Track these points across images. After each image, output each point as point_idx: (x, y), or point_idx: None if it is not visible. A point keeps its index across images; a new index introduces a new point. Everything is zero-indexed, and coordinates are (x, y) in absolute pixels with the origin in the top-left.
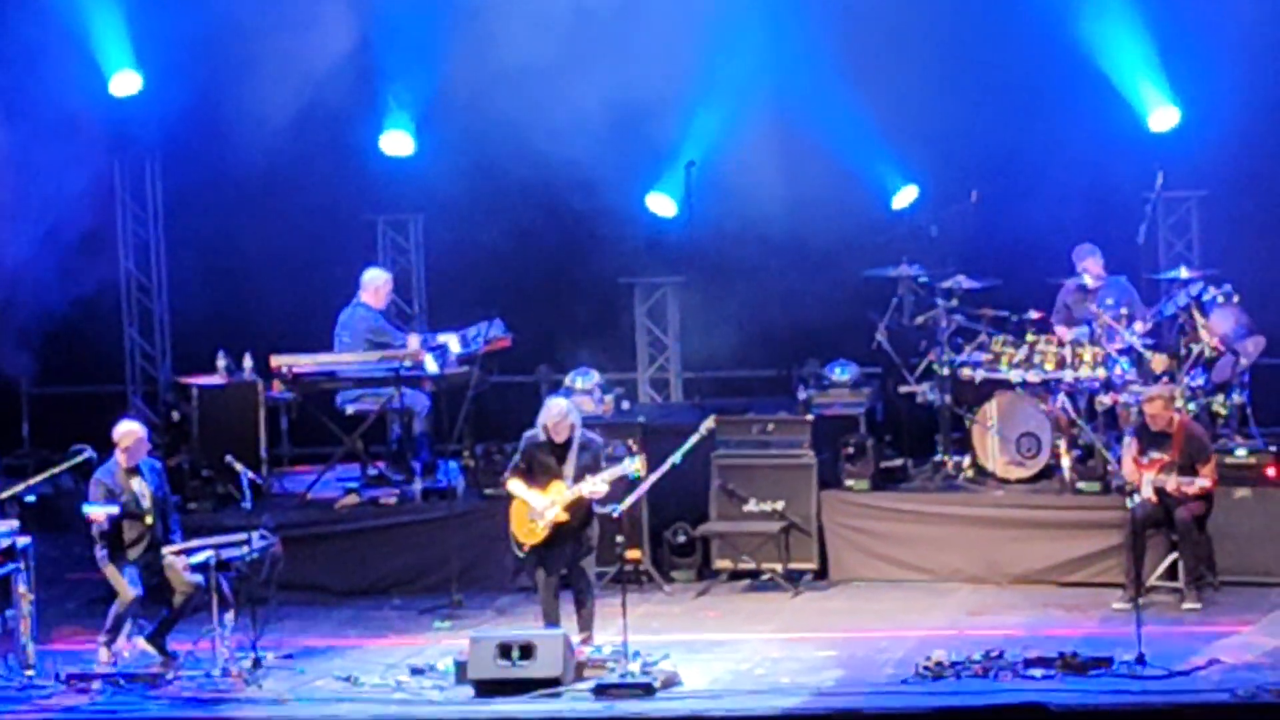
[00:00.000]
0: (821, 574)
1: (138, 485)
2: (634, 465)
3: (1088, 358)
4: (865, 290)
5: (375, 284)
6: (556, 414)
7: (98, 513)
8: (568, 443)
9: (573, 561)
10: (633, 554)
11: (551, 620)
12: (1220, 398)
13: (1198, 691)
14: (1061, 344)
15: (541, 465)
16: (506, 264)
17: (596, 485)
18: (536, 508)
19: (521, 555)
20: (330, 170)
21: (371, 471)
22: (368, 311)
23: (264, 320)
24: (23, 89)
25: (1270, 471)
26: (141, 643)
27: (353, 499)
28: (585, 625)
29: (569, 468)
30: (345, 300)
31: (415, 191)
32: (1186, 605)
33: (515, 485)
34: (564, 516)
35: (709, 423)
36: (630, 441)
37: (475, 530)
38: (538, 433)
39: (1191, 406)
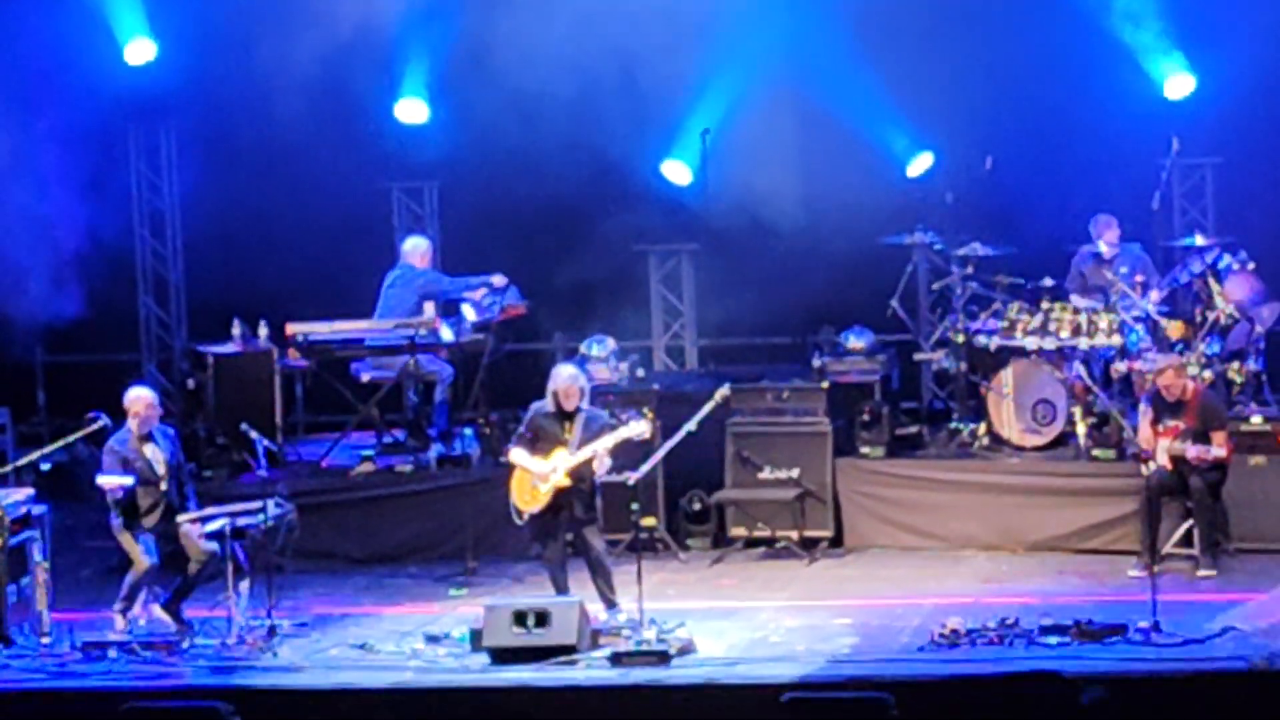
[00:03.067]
0: (836, 542)
1: (151, 452)
2: (639, 427)
3: (1103, 325)
4: (880, 257)
5: (420, 250)
6: (566, 378)
7: (112, 482)
8: (574, 413)
9: (578, 534)
10: (648, 521)
11: (562, 589)
12: (1236, 365)
13: (1213, 659)
14: (1076, 311)
15: (546, 434)
16: (521, 231)
17: (601, 448)
18: (540, 472)
19: (521, 523)
20: (345, 137)
21: (387, 439)
22: (424, 272)
23: (279, 288)
24: (38, 56)
25: None
26: (157, 610)
27: (368, 467)
28: (607, 594)
29: (573, 436)
30: (361, 267)
31: (430, 159)
32: (1201, 572)
33: (517, 454)
34: (566, 482)
35: (724, 390)
36: (645, 409)
37: (490, 498)
38: (545, 403)
39: (1207, 374)
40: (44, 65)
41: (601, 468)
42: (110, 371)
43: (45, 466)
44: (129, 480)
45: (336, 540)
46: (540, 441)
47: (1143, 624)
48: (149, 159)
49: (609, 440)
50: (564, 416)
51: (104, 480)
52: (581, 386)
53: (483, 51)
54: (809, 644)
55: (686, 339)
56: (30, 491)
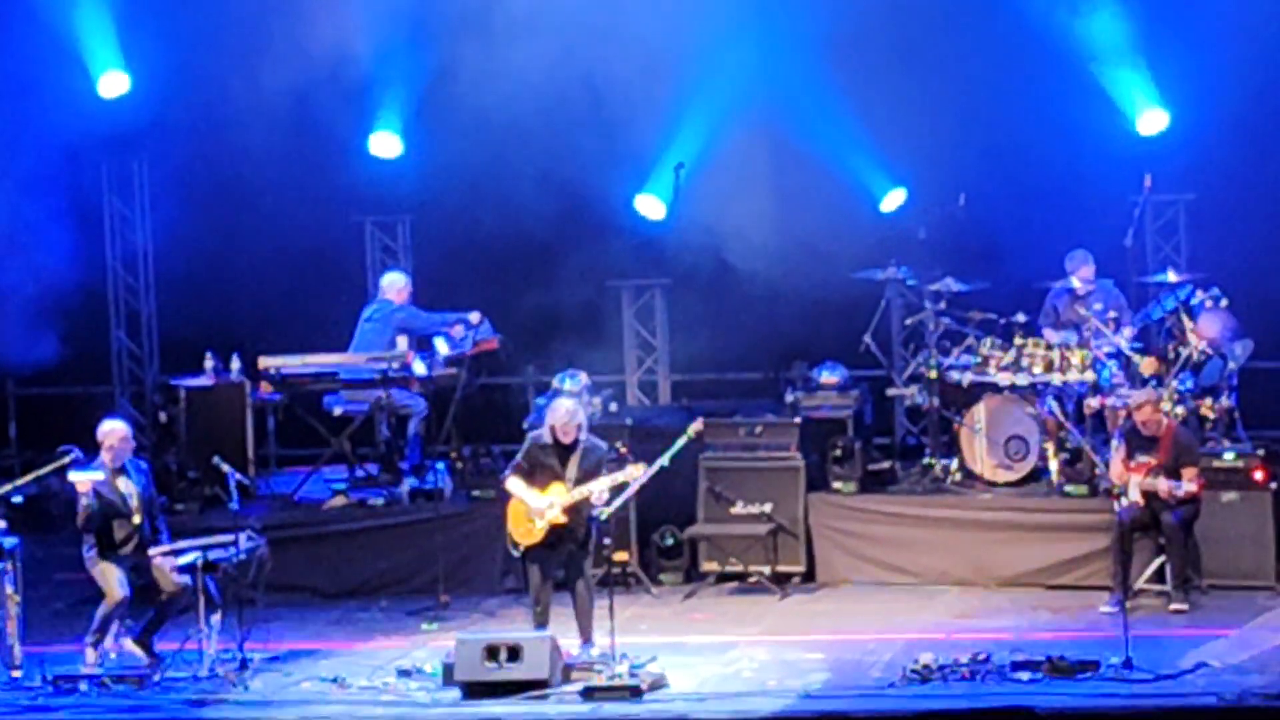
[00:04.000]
0: (809, 577)
1: (124, 485)
2: (635, 472)
3: (1076, 361)
4: (853, 293)
5: (398, 285)
6: (564, 415)
7: (83, 479)
8: (572, 445)
9: (570, 565)
10: (620, 556)
11: (542, 623)
12: (1208, 401)
13: (1184, 695)
14: (1049, 347)
15: (543, 467)
16: (494, 265)
17: (598, 489)
18: (536, 507)
19: (517, 555)
20: (318, 171)
21: (359, 473)
22: (402, 307)
23: (251, 321)
24: (10, 88)
25: (1257, 475)
26: (128, 644)
27: (340, 500)
28: (585, 628)
29: (571, 470)
30: (333, 301)
31: (403, 193)
32: (1173, 608)
33: (514, 484)
34: (563, 519)
35: (696, 425)
36: (618, 444)
37: (463, 532)
38: (543, 433)
39: (1180, 410)
40: (16, 98)
41: (599, 501)
42: (82, 404)
43: (17, 499)
44: (99, 475)
45: (308, 574)
46: (537, 474)
47: (1115, 660)
48: (122, 192)
49: (605, 482)
50: (562, 450)
51: (76, 475)
52: (579, 423)
53: (455, 86)
54: (781, 679)
55: (659, 374)
56: (2, 524)
